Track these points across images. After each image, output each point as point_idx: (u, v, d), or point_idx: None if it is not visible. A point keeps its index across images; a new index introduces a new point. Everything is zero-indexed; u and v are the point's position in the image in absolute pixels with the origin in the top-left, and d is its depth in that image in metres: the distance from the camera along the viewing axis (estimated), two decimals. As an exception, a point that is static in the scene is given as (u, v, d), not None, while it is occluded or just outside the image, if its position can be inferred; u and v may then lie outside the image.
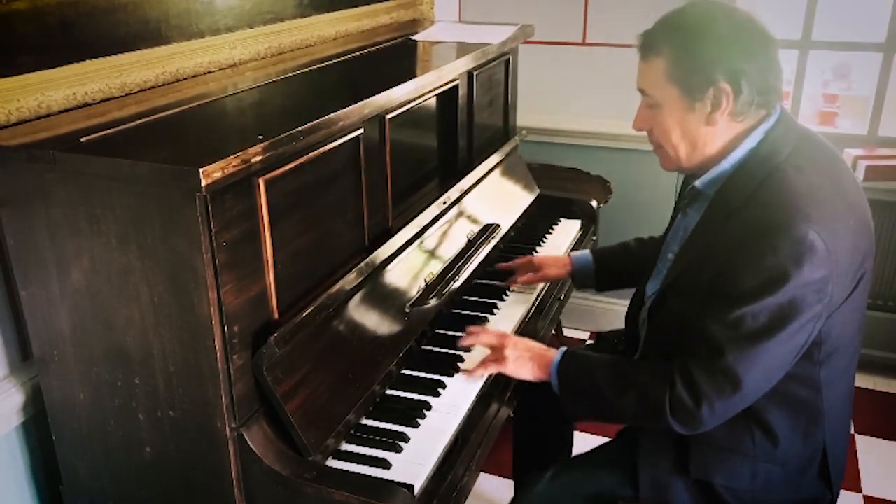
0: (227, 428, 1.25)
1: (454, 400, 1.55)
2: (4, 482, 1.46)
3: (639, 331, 1.62)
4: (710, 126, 1.38)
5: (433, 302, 1.70)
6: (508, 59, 2.31)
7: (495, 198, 2.19)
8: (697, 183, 1.46)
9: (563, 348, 1.53)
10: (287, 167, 1.29)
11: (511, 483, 2.20)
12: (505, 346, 1.56)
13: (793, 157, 1.35)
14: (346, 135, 1.45)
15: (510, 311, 1.91)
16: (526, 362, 1.53)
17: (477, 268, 1.93)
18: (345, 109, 1.39)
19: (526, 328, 1.90)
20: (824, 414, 1.42)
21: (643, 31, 1.42)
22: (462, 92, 1.99)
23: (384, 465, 1.36)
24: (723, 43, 1.32)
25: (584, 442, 2.01)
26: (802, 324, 1.28)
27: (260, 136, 1.19)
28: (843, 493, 1.60)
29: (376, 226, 1.63)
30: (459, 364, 1.64)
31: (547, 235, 2.35)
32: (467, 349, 1.68)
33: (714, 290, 1.34)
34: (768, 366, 1.31)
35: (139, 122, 1.34)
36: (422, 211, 1.76)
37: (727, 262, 1.31)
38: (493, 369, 1.57)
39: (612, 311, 3.14)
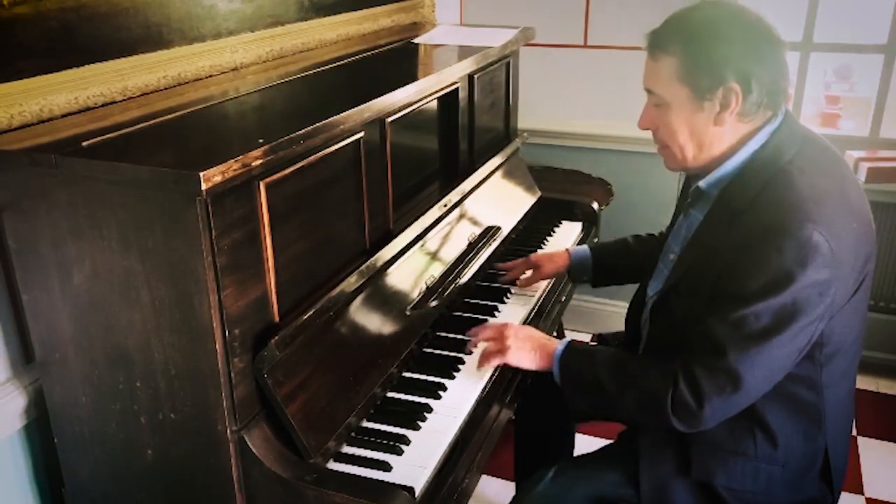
0: (228, 430, 1.26)
1: (455, 402, 1.55)
2: (7, 485, 1.47)
3: (640, 332, 1.62)
4: (718, 126, 1.38)
5: (434, 304, 1.70)
6: (509, 62, 2.31)
7: (496, 200, 2.19)
8: (701, 183, 1.45)
9: (567, 339, 1.54)
10: (288, 171, 1.29)
11: (513, 485, 2.20)
12: (506, 335, 1.56)
13: (797, 160, 1.35)
14: (346, 138, 1.45)
15: (511, 314, 1.90)
16: (528, 351, 1.54)
17: (478, 270, 1.94)
18: (345, 113, 1.39)
19: (527, 330, 1.90)
20: (825, 415, 1.42)
21: (651, 30, 1.41)
22: (463, 95, 2.00)
23: (385, 467, 1.36)
24: (734, 43, 1.32)
25: (585, 443, 2.01)
26: (805, 325, 1.28)
27: (260, 140, 1.20)
28: (845, 495, 1.59)
29: (377, 229, 1.63)
30: (460, 366, 1.64)
31: (548, 238, 2.35)
32: (468, 351, 1.67)
33: (717, 290, 1.34)
34: (770, 366, 1.32)
35: (141, 125, 1.35)
36: (423, 214, 1.76)
37: (731, 264, 1.32)
38: (496, 361, 1.57)
39: (613, 312, 3.14)
